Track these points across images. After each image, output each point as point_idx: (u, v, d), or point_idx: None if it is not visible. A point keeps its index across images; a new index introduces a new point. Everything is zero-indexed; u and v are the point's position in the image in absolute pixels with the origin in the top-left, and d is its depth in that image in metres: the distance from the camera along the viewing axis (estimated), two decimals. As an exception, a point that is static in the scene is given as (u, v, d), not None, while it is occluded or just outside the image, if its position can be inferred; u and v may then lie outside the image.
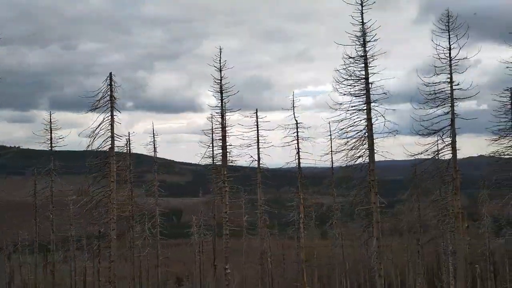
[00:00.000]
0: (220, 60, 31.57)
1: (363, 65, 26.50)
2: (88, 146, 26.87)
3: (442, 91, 30.37)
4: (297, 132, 30.77)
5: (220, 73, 31.57)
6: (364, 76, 26.44)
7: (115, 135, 27.18)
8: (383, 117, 26.55)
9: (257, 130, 35.91)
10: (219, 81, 31.64)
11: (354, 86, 26.72)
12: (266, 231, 45.28)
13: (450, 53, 30.29)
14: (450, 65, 30.29)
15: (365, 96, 26.62)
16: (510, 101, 31.81)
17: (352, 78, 26.48)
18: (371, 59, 26.63)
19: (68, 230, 48.21)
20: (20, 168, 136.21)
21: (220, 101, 31.40)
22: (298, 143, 31.23)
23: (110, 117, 27.15)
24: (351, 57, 26.42)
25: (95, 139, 26.83)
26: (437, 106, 30.59)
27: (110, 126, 27.08)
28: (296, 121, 31.04)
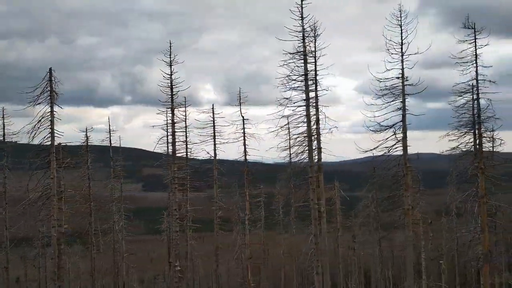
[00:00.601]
0: (170, 55, 31.04)
1: (302, 61, 26.06)
2: (29, 141, 26.17)
3: (394, 87, 30.12)
4: (244, 128, 30.21)
5: (171, 68, 31.06)
6: (303, 73, 26.07)
7: (55, 131, 26.59)
8: (324, 113, 26.06)
9: (214, 126, 35.35)
10: (169, 76, 31.05)
11: (295, 82, 26.30)
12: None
13: (402, 48, 29.95)
14: (402, 61, 29.97)
15: (304, 92, 26.16)
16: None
17: (294, 74, 26.03)
18: (311, 55, 26.18)
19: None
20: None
21: (170, 96, 30.86)
22: (245, 139, 30.70)
23: (50, 112, 26.65)
24: (290, 53, 26.06)
25: (36, 134, 26.24)
26: (388, 102, 30.40)
27: (50, 122, 26.58)
28: (243, 117, 30.50)
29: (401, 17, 29.82)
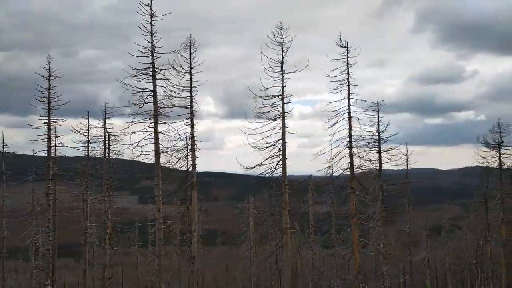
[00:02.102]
0: (49, 69, 30.09)
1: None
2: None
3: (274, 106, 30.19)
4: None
5: (49, 82, 30.14)
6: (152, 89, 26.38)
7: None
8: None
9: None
10: (47, 91, 30.14)
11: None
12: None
13: (282, 67, 30.09)
14: (282, 79, 30.09)
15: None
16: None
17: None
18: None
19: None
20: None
21: (47, 110, 29.95)
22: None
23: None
24: (137, 69, 26.38)
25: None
26: (271, 120, 30.40)
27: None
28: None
29: (282, 35, 30.02)
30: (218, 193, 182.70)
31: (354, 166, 29.67)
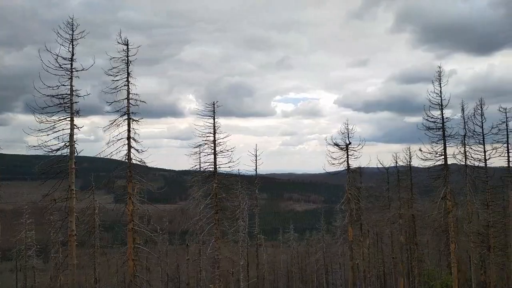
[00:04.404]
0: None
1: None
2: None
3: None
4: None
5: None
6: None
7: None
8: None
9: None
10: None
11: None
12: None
13: (72, 64, 28.97)
14: (71, 77, 28.99)
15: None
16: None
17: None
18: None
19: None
20: None
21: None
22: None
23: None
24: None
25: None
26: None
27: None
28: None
29: (72, 31, 28.86)
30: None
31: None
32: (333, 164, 42.15)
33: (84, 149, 29.37)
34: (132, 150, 28.72)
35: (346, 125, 40.93)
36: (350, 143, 41.19)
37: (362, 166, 46.87)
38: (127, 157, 28.68)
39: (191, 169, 41.55)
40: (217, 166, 36.78)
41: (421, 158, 39.69)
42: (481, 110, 40.36)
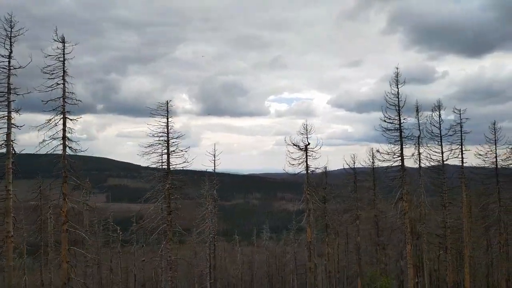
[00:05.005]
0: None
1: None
2: None
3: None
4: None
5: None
6: None
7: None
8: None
9: None
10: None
11: None
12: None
13: (9, 61, 28.50)
14: (9, 76, 28.48)
15: None
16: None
17: None
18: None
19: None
20: None
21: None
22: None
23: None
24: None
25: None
26: None
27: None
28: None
29: (11, 28, 28.36)
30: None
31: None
32: (293, 164, 41.72)
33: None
34: (67, 149, 28.12)
35: (305, 125, 40.48)
36: (309, 143, 40.76)
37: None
38: (62, 157, 28.10)
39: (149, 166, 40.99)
40: (171, 166, 36.32)
41: (379, 159, 39.41)
42: (439, 112, 40.10)
